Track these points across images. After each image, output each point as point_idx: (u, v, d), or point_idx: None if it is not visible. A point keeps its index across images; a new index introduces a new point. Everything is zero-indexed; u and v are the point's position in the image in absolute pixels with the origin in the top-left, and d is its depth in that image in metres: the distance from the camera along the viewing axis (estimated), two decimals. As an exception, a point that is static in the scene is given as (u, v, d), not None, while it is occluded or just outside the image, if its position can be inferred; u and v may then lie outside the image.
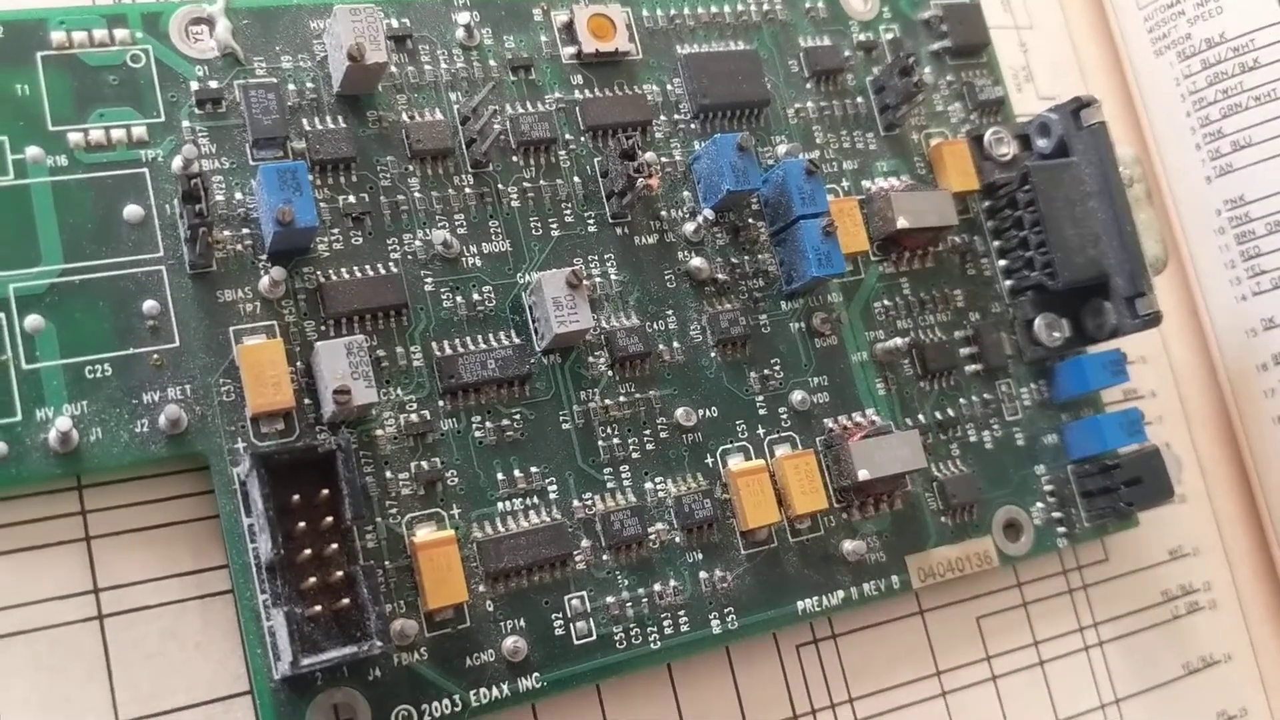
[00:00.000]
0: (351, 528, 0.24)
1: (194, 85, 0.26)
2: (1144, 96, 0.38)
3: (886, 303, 0.31)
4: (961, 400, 0.32)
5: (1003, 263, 0.33)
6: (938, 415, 0.31)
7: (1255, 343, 0.36)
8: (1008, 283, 0.33)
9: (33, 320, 0.23)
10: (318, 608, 0.22)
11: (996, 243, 0.33)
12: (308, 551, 0.23)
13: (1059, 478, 0.32)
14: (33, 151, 0.24)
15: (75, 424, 0.23)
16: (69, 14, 0.25)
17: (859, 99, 0.33)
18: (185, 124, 0.25)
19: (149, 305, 0.24)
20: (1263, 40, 0.35)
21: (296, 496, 0.23)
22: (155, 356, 0.24)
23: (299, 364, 0.25)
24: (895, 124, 0.33)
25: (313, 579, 0.23)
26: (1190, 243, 0.37)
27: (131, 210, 0.24)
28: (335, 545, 0.23)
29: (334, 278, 0.26)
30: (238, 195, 0.25)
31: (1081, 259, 0.32)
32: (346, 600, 0.23)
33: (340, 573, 0.23)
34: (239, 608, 0.24)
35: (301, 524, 0.23)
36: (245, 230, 0.25)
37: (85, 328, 0.24)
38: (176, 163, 0.24)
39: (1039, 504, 0.32)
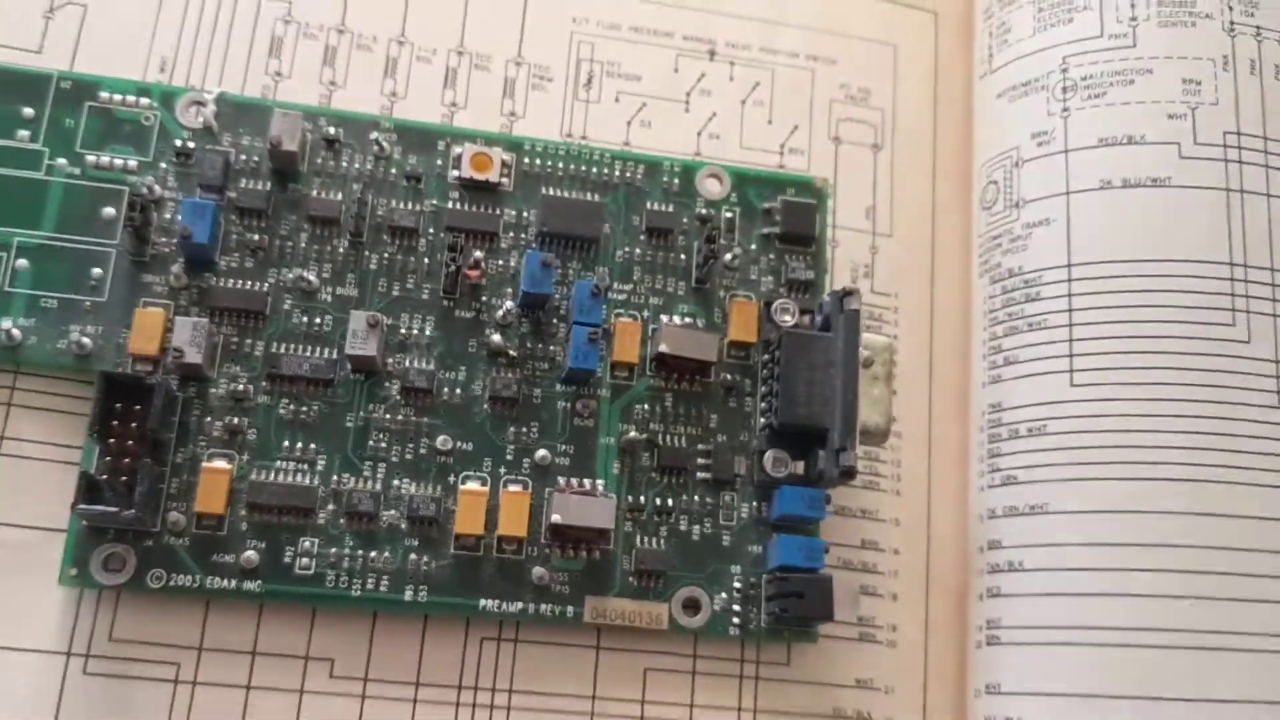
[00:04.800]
0: (158, 438, 0.35)
1: (178, 143, 0.39)
2: (973, 311, 0.45)
3: (646, 408, 0.40)
4: (684, 497, 0.40)
5: (761, 405, 0.41)
6: (658, 501, 0.39)
7: (980, 528, 0.41)
8: (760, 421, 0.41)
9: (22, 262, 0.37)
10: (106, 475, 0.34)
11: (762, 389, 0.41)
12: (115, 441, 0.34)
13: (750, 581, 0.39)
14: (61, 161, 0.38)
15: (22, 331, 0.36)
16: (116, 83, 0.39)
17: (682, 256, 0.42)
18: (163, 166, 0.39)
19: (96, 271, 0.37)
20: (1047, 278, 0.42)
21: (119, 404, 0.35)
22: (88, 304, 0.37)
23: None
24: (704, 280, 0.42)
25: (116, 464, 0.35)
26: (971, 436, 0.43)
27: (108, 211, 0.38)
28: (142, 448, 0.35)
29: (222, 284, 0.38)
30: (179, 218, 0.38)
31: (804, 410, 0.39)
32: (127, 479, 0.34)
33: (135, 464, 0.35)
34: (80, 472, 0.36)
35: (122, 433, 0.35)
36: (175, 240, 0.38)
37: (51, 274, 0.37)
38: (142, 188, 0.38)
39: (723, 594, 0.39)
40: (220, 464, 0.36)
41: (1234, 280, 0.40)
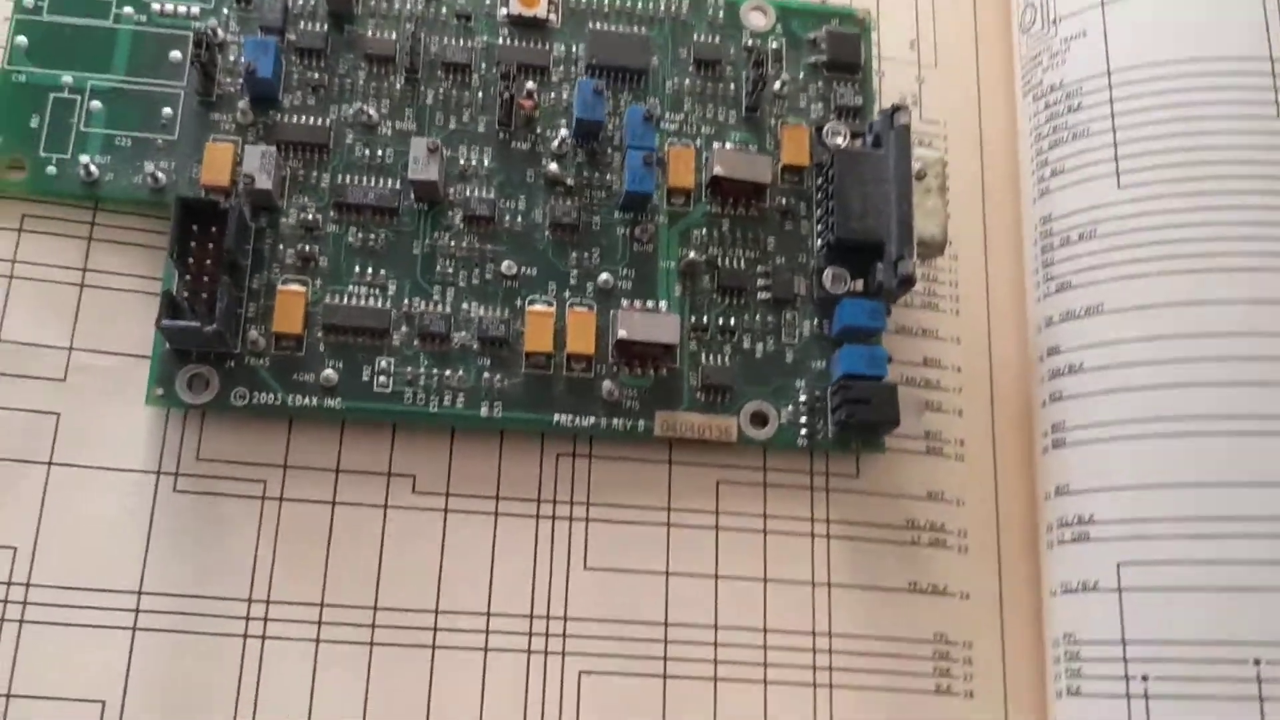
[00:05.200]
0: (231, 261, 0.36)
1: (238, -11, 0.40)
2: (1020, 131, 0.45)
3: (704, 232, 0.41)
4: (746, 316, 0.40)
5: (818, 226, 0.41)
6: (720, 321, 0.40)
7: (1039, 338, 0.42)
8: (817, 241, 0.41)
9: (95, 104, 0.38)
10: (188, 294, 0.35)
11: (818, 211, 0.42)
12: (194, 261, 0.36)
13: (815, 394, 0.40)
14: (128, 10, 0.39)
15: (99, 168, 0.37)
16: (174, -65, 0.40)
17: (731, 85, 0.42)
18: (224, 11, 0.40)
19: (166, 111, 0.38)
20: (1088, 88, 0.42)
21: (196, 227, 0.36)
22: (160, 142, 0.38)
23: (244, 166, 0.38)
24: (753, 107, 0.42)
25: (195, 284, 0.36)
26: (1025, 251, 0.44)
27: (174, 55, 0.39)
28: (219, 269, 0.36)
29: (286, 120, 0.39)
30: (241, 60, 0.39)
31: (859, 225, 0.40)
32: (208, 297, 0.35)
33: (214, 285, 0.36)
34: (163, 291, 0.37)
35: (200, 256, 0.36)
36: (240, 81, 0.39)
37: (124, 115, 0.38)
38: (206, 31, 0.39)
39: (789, 407, 0.40)
40: (295, 287, 0.37)
41: (1275, 75, 0.40)
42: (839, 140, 0.42)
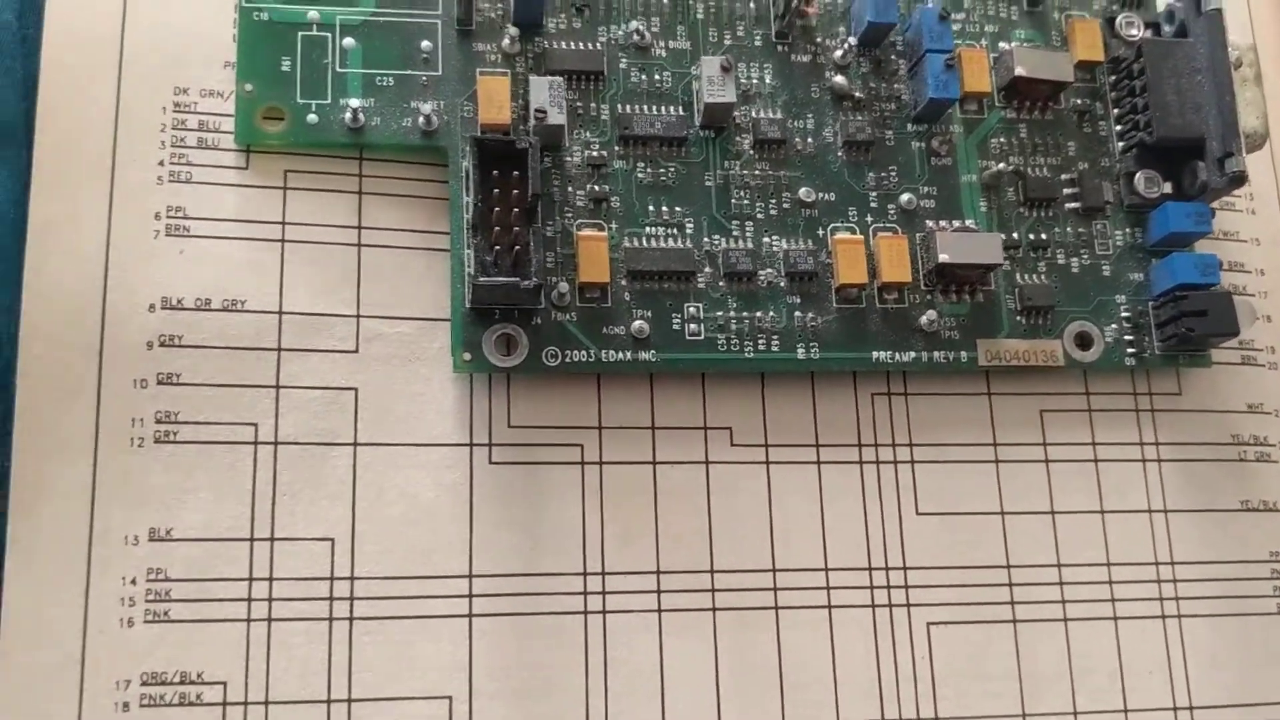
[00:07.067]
0: (534, 206, 0.33)
1: (480, -99, 0.36)
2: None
3: (1003, 140, 0.37)
4: (1057, 229, 0.37)
5: (1118, 128, 0.38)
6: (1031, 236, 0.37)
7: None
8: (1120, 144, 0.38)
9: (348, 41, 0.34)
10: (498, 247, 0.32)
11: (1115, 110, 0.38)
12: (498, 210, 0.32)
13: (1137, 309, 0.37)
14: (366, -68, 0.35)
15: (364, 112, 0.33)
16: None
17: (1010, -24, 0.39)
18: (470, -72, 0.36)
19: (425, 44, 0.34)
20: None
21: (497, 173, 0.32)
22: (424, 79, 0.34)
23: (520, 100, 0.34)
24: (1036, 1, 0.39)
25: (500, 235, 0.32)
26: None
27: (425, -20, 0.35)
28: (521, 216, 0.32)
29: (556, 46, 0.35)
30: (501, -17, 0.35)
31: (1179, 121, 0.36)
32: (518, 249, 0.32)
33: (520, 234, 0.32)
34: (451, 259, 0.33)
35: (499, 203, 0.32)
36: (499, 5, 0.35)
37: (382, 51, 0.34)
38: (459, -50, 0.35)
39: (1113, 325, 0.37)
40: (595, 232, 0.34)
41: None
42: (1134, 32, 0.38)
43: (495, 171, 0.32)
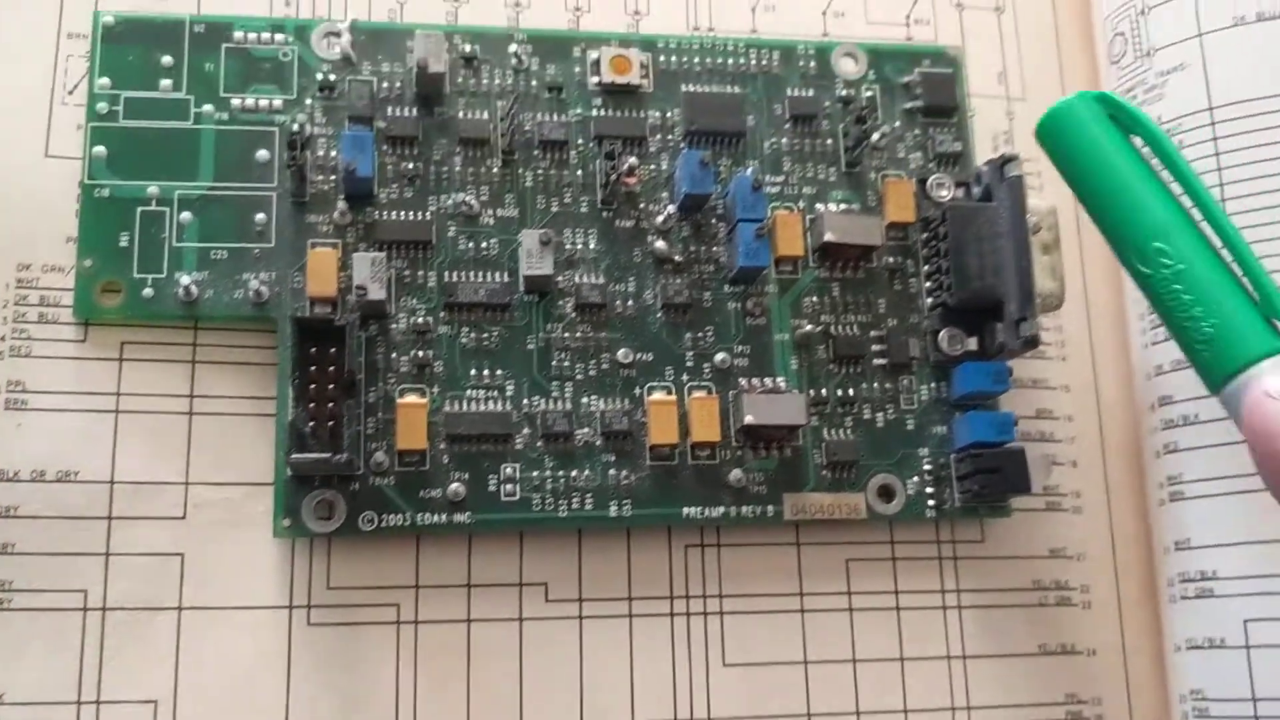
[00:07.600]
0: (353, 381, 0.35)
1: (319, 76, 0.38)
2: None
3: (815, 299, 0.40)
4: (864, 385, 0.39)
5: (927, 284, 0.40)
6: (839, 392, 0.39)
7: (1148, 385, 0.41)
8: (928, 301, 0.40)
9: (185, 215, 0.36)
10: (313, 423, 0.34)
11: (926, 267, 0.41)
12: (314, 386, 0.34)
13: (939, 462, 0.39)
14: (207, 108, 0.37)
15: (197, 285, 0.35)
16: (248, 21, 0.38)
17: (828, 141, 0.41)
18: (308, 102, 0.38)
19: (259, 217, 0.36)
20: (1188, 124, 0.41)
21: (314, 349, 0.34)
22: (256, 251, 0.36)
23: (349, 271, 0.36)
24: (854, 163, 0.41)
25: (317, 410, 0.34)
26: (1126, 295, 0.43)
27: (261, 154, 0.37)
28: (338, 390, 0.34)
29: (385, 217, 0.37)
30: (332, 154, 0.37)
31: (979, 284, 0.39)
32: (332, 423, 0.34)
33: (336, 408, 0.34)
34: (276, 426, 0.35)
35: (316, 379, 0.34)
36: (332, 177, 0.37)
37: (217, 224, 0.36)
38: (294, 126, 0.37)
39: (915, 478, 0.39)
40: (415, 399, 0.36)
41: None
42: (944, 193, 0.41)
43: (314, 348, 0.34)
